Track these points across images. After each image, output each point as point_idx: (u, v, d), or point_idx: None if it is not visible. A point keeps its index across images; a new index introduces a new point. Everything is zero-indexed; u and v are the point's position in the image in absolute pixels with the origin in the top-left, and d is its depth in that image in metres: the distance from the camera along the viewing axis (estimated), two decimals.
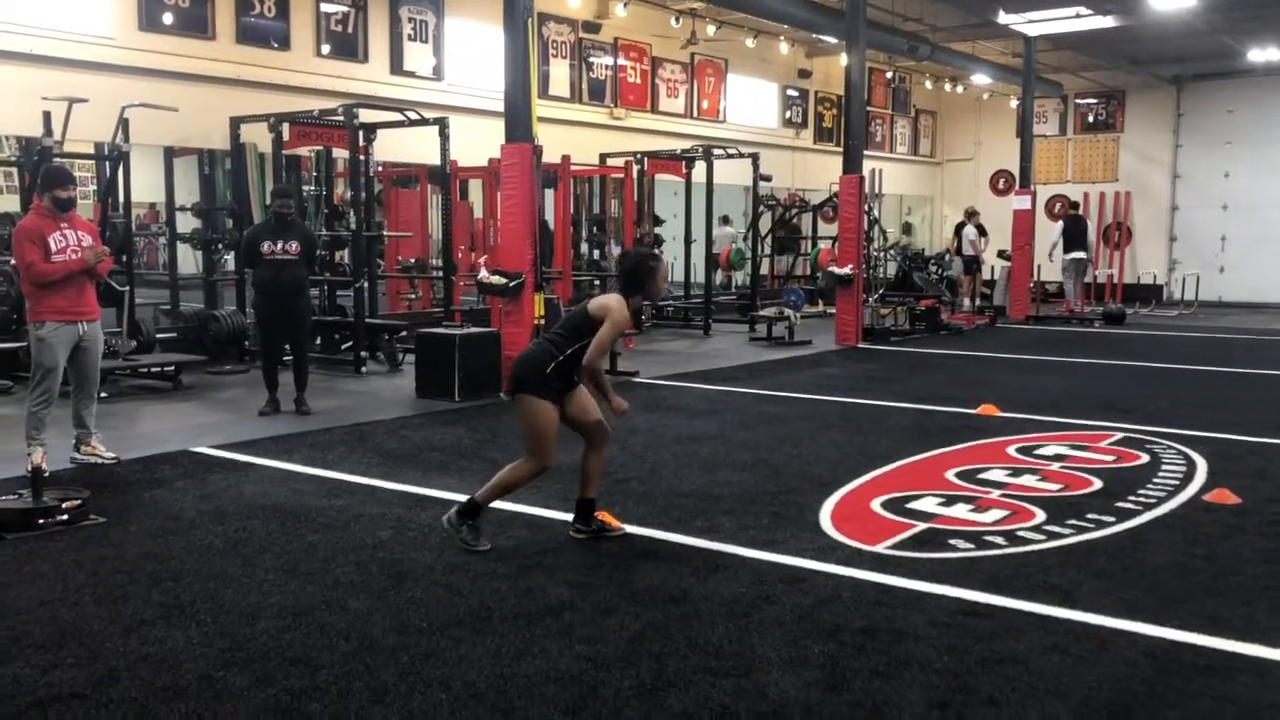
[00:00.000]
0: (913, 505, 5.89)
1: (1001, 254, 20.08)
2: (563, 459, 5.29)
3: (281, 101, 11.87)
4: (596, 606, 4.29)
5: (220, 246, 12.78)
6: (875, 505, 5.92)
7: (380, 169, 13.22)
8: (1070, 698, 3.48)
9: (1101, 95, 23.43)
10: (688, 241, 16.15)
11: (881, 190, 17.70)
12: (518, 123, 9.64)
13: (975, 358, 13.21)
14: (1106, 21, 16.83)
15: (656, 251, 6.52)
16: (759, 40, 18.01)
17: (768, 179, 16.80)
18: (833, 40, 17.73)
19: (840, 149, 21.18)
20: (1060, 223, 20.17)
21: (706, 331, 15.31)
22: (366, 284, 11.47)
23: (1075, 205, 20.82)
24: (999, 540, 5.23)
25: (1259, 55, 19.37)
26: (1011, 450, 7.41)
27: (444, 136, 11.53)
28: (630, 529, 5.34)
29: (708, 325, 15.45)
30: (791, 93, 20.60)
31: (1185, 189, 22.63)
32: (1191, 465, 6.88)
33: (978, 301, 19.85)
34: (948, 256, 20.27)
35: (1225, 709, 3.41)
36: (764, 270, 19.16)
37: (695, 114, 18.38)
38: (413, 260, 13.92)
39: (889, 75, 22.66)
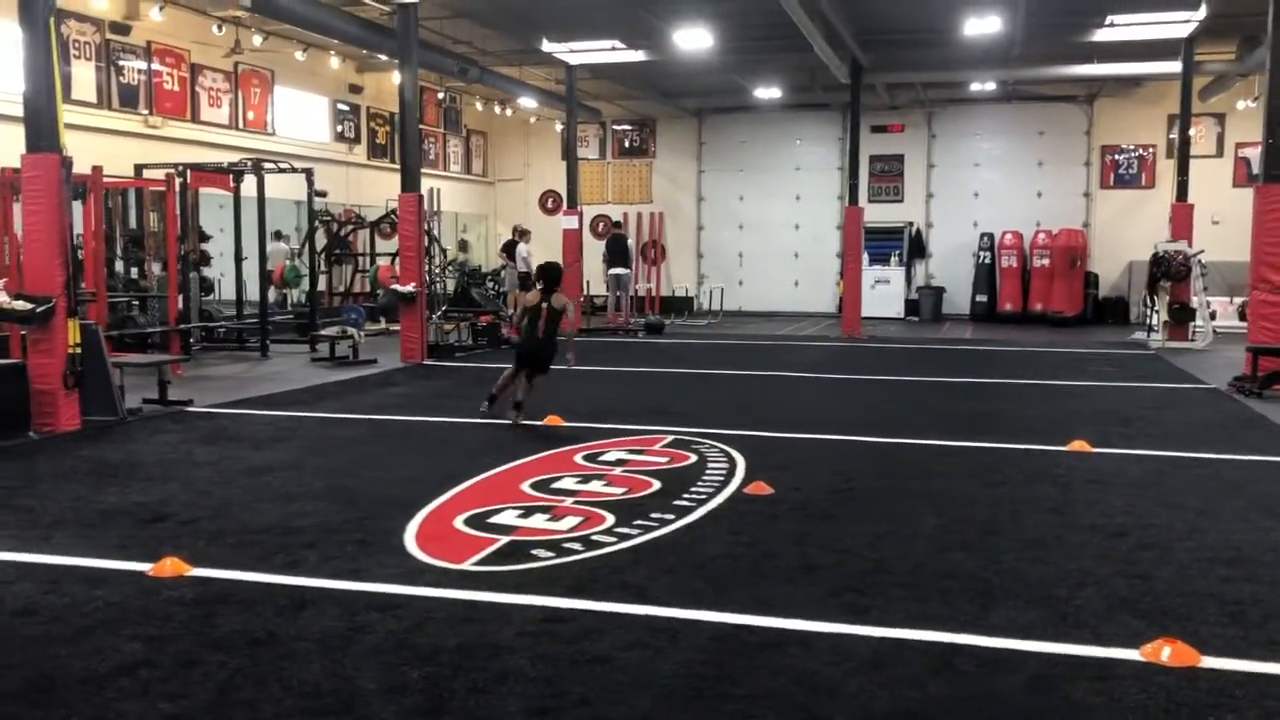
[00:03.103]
0: (494, 520, 6.08)
1: None
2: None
3: None
4: (176, 660, 4.02)
5: None
6: (458, 523, 6.04)
7: None
8: (652, 688, 3.80)
9: (636, 123, 25.35)
10: (238, 259, 15.37)
11: (440, 208, 17.93)
12: (42, 131, 8.71)
13: None
14: (638, 55, 18.29)
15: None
16: (308, 53, 17.56)
17: (323, 195, 16.41)
18: (383, 57, 17.68)
19: (395, 165, 21.31)
20: (605, 241, 21.62)
21: (264, 353, 14.64)
22: None
23: (617, 225, 22.35)
24: (576, 546, 5.55)
25: (763, 93, 21.95)
26: (578, 458, 7.86)
27: None
28: (202, 572, 5.05)
29: (265, 346, 14.78)
30: (343, 107, 20.26)
31: (709, 210, 25.08)
32: (733, 462, 7.69)
33: None
34: (502, 273, 20.98)
35: (779, 679, 3.88)
36: (321, 288, 18.66)
37: (241, 125, 17.53)
38: None
39: (441, 95, 22.98)
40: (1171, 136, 21.80)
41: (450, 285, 19.19)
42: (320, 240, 18.46)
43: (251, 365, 13.91)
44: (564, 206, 22.59)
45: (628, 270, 21.16)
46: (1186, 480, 7.21)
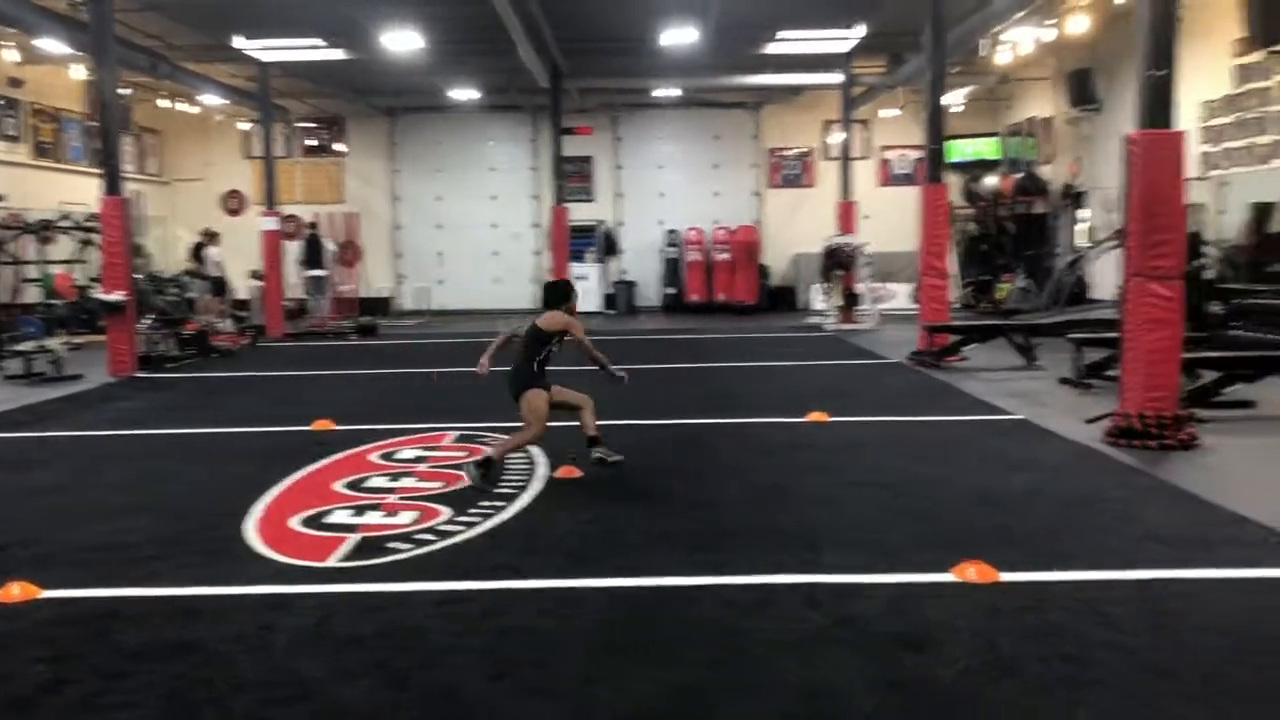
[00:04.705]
0: (330, 520, 6.18)
1: (254, 274, 20.31)
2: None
3: None
4: (99, 674, 3.98)
5: None
6: (295, 525, 6.08)
7: None
8: (584, 645, 4.23)
9: (324, 121, 24.77)
10: None
11: (146, 213, 16.88)
12: None
13: (265, 377, 13.41)
14: (339, 54, 18.04)
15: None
16: None
17: (1, 198, 14.99)
18: (54, 50, 16.33)
19: (66, 166, 19.74)
20: (300, 242, 21.08)
21: None
22: None
23: (313, 225, 21.83)
24: (430, 537, 5.79)
25: (459, 94, 22.24)
26: (375, 458, 7.97)
27: None
28: (58, 594, 4.88)
29: None
30: (0, 102, 18.44)
31: (405, 210, 24.98)
32: (528, 451, 8.07)
33: (228, 322, 19.87)
34: (185, 278, 19.94)
35: (689, 626, 4.43)
36: None
37: None
38: None
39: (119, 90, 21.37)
40: (827, 140, 24.33)
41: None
42: None
43: None
44: (251, 206, 21.89)
45: (326, 272, 20.80)
46: (917, 440, 8.43)
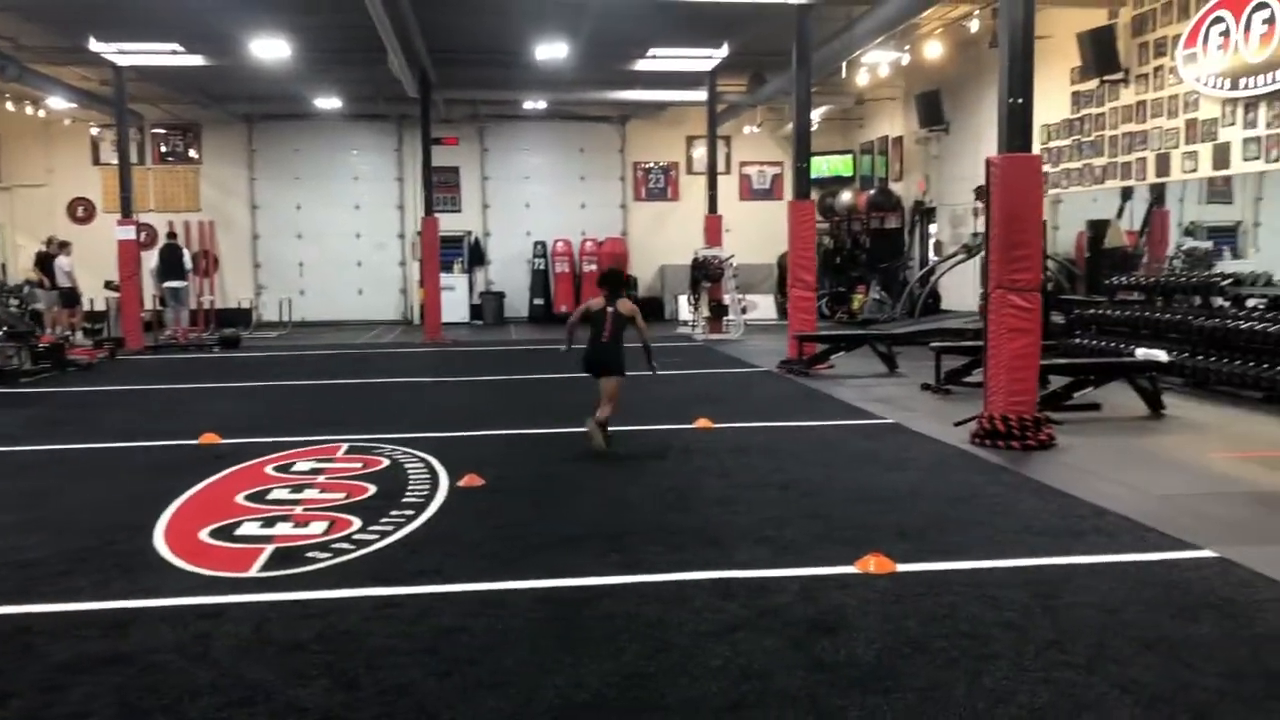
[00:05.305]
0: (241, 531, 6.18)
1: (110, 285, 19.58)
2: None
3: None
4: (38, 686, 3.96)
5: None
6: (205, 538, 6.06)
7: None
8: (520, 644, 4.41)
9: (177, 127, 24.06)
10: None
11: None
12: None
13: (132, 391, 13.06)
14: (199, 60, 17.65)
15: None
16: None
17: None
18: None
19: None
20: (156, 251, 20.41)
21: None
22: None
23: (173, 235, 21.17)
24: (347, 546, 5.87)
25: (323, 103, 21.95)
26: (270, 470, 7.94)
27: None
28: None
29: None
30: None
31: (264, 219, 24.44)
32: (426, 461, 8.19)
33: (79, 335, 19.15)
34: (27, 288, 19.09)
35: (618, 621, 4.66)
36: None
37: None
38: None
39: None
40: (691, 154, 24.98)
41: None
42: None
43: None
44: (100, 214, 21.04)
45: (185, 283, 20.20)
46: (799, 443, 8.88)
